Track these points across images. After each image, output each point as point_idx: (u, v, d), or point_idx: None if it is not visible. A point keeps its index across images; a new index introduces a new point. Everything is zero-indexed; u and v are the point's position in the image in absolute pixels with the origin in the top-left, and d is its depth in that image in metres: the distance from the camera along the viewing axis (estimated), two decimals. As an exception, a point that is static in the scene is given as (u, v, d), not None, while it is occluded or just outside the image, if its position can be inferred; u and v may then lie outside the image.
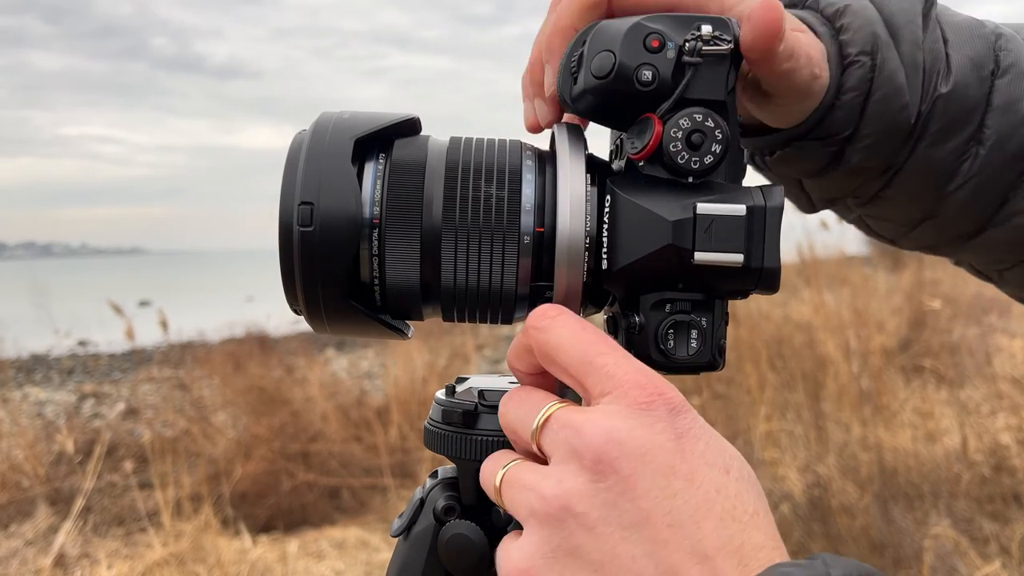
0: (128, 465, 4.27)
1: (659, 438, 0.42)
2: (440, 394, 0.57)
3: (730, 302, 0.51)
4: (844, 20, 0.58)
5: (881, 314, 5.30)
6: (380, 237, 0.49)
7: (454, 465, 0.58)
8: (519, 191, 0.49)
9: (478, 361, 6.51)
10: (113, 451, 4.57)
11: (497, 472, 0.47)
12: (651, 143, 0.47)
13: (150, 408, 5.63)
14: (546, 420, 0.45)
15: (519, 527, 0.46)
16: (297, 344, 6.37)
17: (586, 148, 0.50)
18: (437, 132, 0.54)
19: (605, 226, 0.48)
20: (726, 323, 0.50)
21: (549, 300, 0.50)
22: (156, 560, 3.29)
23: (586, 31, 0.49)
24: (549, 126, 0.54)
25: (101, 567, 3.33)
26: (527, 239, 0.49)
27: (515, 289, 0.50)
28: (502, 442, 0.53)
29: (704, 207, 0.46)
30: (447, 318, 0.53)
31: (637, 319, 0.49)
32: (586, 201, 0.49)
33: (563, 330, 0.46)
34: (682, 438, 0.42)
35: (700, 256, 0.47)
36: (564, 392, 0.49)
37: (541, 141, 0.54)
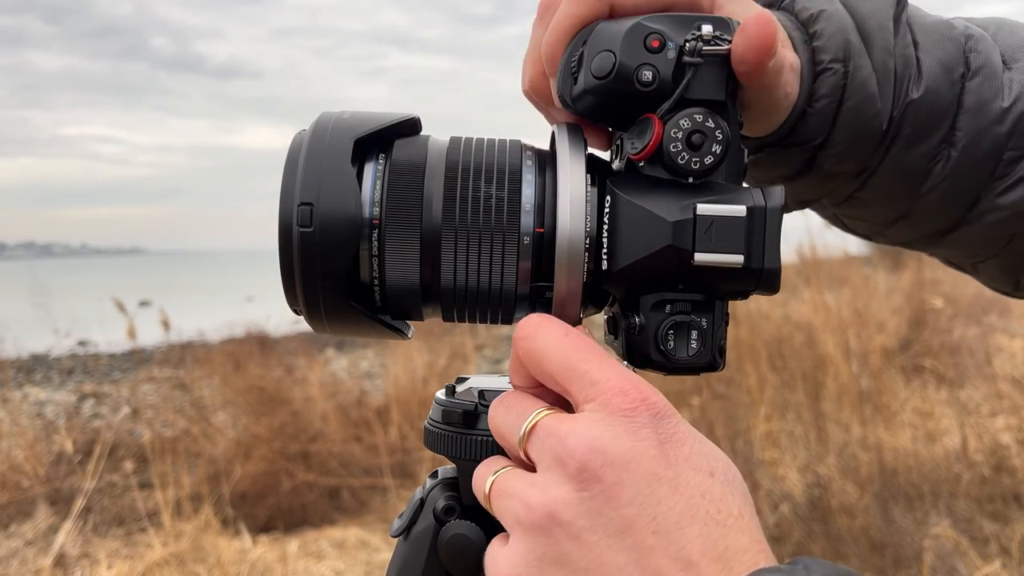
0: (128, 465, 4.27)
1: (642, 445, 0.42)
2: (440, 394, 0.57)
3: (730, 302, 0.50)
4: (818, 26, 0.57)
5: (881, 314, 5.30)
6: (380, 237, 0.49)
7: (454, 465, 0.58)
8: (519, 191, 0.49)
9: (478, 361, 6.51)
10: (113, 451, 4.57)
11: (487, 479, 0.47)
12: (651, 143, 0.47)
13: (150, 408, 5.63)
14: (532, 428, 0.45)
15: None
16: (297, 344, 6.37)
17: (586, 148, 0.50)
18: (437, 132, 0.54)
19: (605, 227, 0.48)
20: (726, 324, 0.50)
21: (549, 300, 0.50)
22: (156, 560, 3.29)
23: (586, 32, 0.49)
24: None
25: (101, 567, 3.33)
26: (527, 239, 0.49)
27: (515, 289, 0.50)
28: (502, 442, 0.53)
29: (704, 208, 0.46)
30: (447, 318, 0.53)
31: (637, 320, 0.49)
32: (586, 202, 0.48)
33: (546, 337, 0.47)
34: (665, 444, 0.43)
35: (700, 257, 0.47)
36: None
37: (541, 141, 0.54)
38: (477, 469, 0.49)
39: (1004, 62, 0.61)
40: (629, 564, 0.41)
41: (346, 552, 3.64)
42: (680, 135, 0.47)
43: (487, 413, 0.54)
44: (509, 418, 0.48)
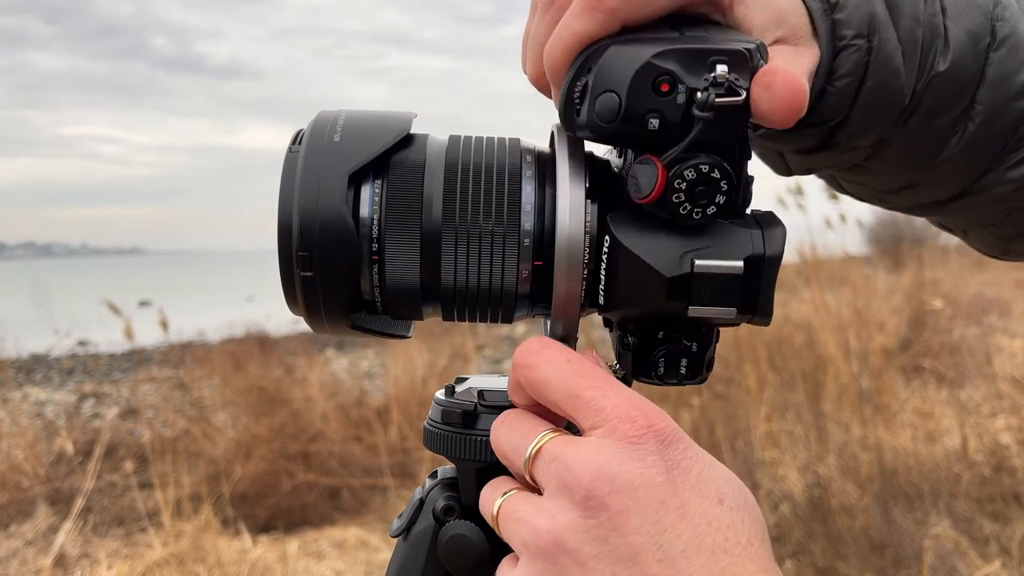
0: (128, 465, 4.27)
1: (649, 472, 0.42)
2: (440, 394, 0.57)
3: None
4: None
5: (881, 314, 5.30)
6: (380, 237, 0.49)
7: (454, 465, 0.58)
8: (519, 190, 0.49)
9: (478, 361, 6.51)
10: (113, 451, 4.57)
11: (495, 501, 0.47)
12: (653, 193, 0.45)
13: (150, 408, 5.63)
14: (537, 451, 0.45)
15: None
16: (297, 344, 6.37)
17: (583, 144, 0.50)
18: (437, 132, 0.53)
19: (603, 265, 0.48)
20: (716, 341, 0.51)
21: (550, 299, 0.50)
22: (156, 560, 3.29)
23: (593, 54, 0.46)
24: None
25: (101, 567, 3.33)
26: (527, 239, 0.49)
27: (515, 288, 0.50)
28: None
29: (702, 264, 0.46)
30: (447, 317, 0.52)
31: (631, 339, 0.50)
32: (586, 200, 0.49)
33: (547, 365, 0.46)
34: (673, 471, 0.42)
35: (695, 310, 0.47)
36: None
37: (541, 139, 0.54)
38: (484, 490, 0.49)
39: None
40: None
41: (346, 552, 3.64)
42: (683, 186, 0.45)
43: (487, 413, 0.54)
44: (513, 439, 0.47)
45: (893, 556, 2.77)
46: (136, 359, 7.07)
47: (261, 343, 6.44)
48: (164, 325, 4.94)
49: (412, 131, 0.51)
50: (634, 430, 0.43)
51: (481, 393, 0.55)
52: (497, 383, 0.56)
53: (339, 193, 0.48)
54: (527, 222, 0.49)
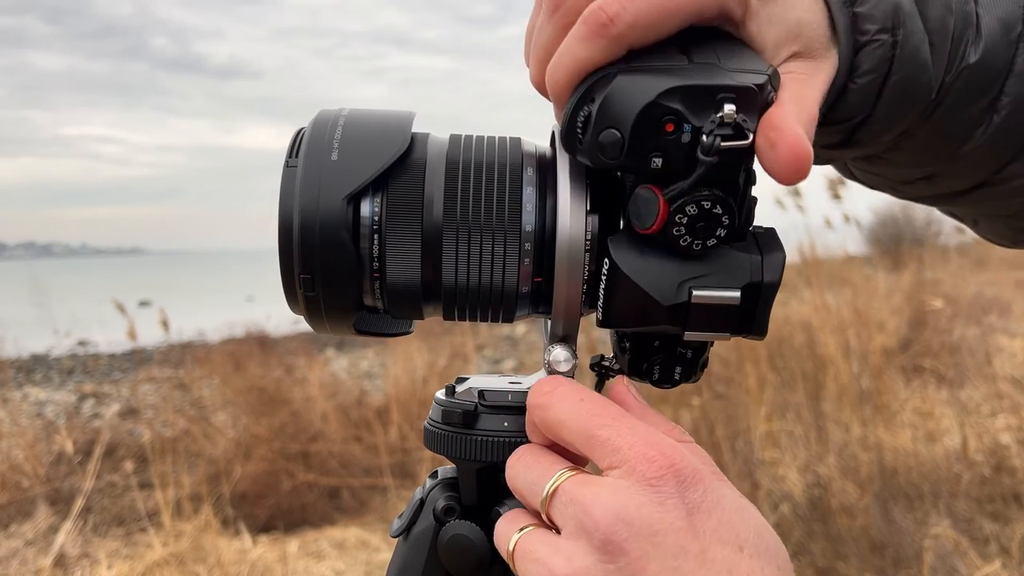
0: (128, 465, 4.27)
1: (669, 516, 0.41)
2: (440, 394, 0.57)
3: None
4: None
5: (881, 314, 5.30)
6: (381, 238, 0.49)
7: (454, 465, 0.58)
8: (520, 189, 0.49)
9: (478, 361, 6.51)
10: (113, 451, 4.57)
11: (511, 537, 0.46)
12: (655, 226, 0.45)
13: (150, 408, 5.63)
14: (554, 491, 0.44)
15: None
16: (297, 344, 6.37)
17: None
18: (437, 132, 0.53)
19: (602, 284, 0.48)
20: (711, 345, 0.51)
21: (550, 299, 0.50)
22: (156, 560, 3.29)
23: (597, 84, 0.45)
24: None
25: (101, 567, 3.33)
26: (528, 238, 0.49)
27: (516, 287, 0.50)
28: (501, 442, 0.53)
29: (699, 294, 0.46)
30: (448, 317, 0.52)
31: (627, 343, 0.50)
32: (586, 199, 0.48)
33: (561, 405, 0.46)
34: (693, 514, 0.41)
35: (690, 335, 0.47)
36: None
37: (541, 138, 0.54)
38: (500, 523, 0.49)
39: None
40: None
41: (346, 552, 3.64)
42: (684, 220, 0.45)
43: (487, 413, 0.54)
44: (530, 477, 0.46)
45: (893, 556, 2.76)
46: (136, 359, 7.08)
47: (261, 343, 6.44)
48: (165, 325, 4.94)
49: (412, 130, 0.51)
50: (653, 471, 0.42)
51: (481, 393, 0.55)
52: (497, 383, 0.56)
53: (338, 215, 0.48)
54: (528, 222, 0.49)
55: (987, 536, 2.90)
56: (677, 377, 0.51)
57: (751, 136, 0.43)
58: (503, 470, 0.50)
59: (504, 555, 0.47)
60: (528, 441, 0.50)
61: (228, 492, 3.96)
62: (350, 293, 0.49)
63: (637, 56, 0.45)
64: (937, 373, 4.76)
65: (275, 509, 4.05)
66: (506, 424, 0.53)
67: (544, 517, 0.45)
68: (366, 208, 0.49)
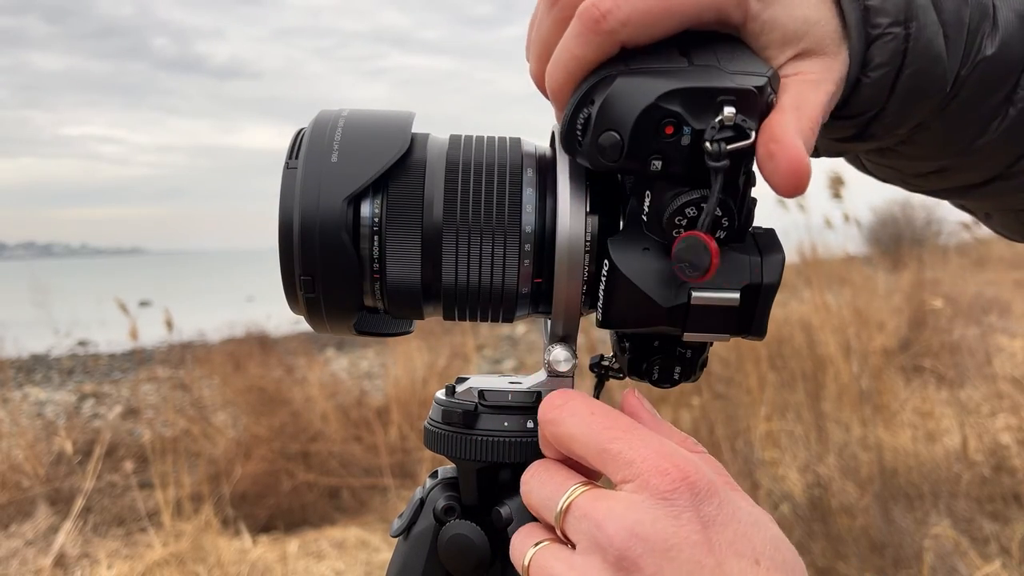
0: (128, 465, 4.27)
1: (684, 531, 0.41)
2: (440, 394, 0.57)
3: None
4: None
5: (881, 314, 5.30)
6: (381, 239, 0.49)
7: (454, 465, 0.58)
8: (520, 189, 0.49)
9: (478, 361, 6.51)
10: (113, 451, 4.57)
11: (527, 552, 0.46)
12: (711, 271, 0.44)
13: (150, 408, 5.63)
14: (568, 507, 0.44)
15: (524, 519, 0.47)
16: (297, 344, 6.37)
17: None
18: (437, 132, 0.53)
19: (602, 285, 0.48)
20: (711, 345, 0.51)
21: (549, 299, 0.50)
22: (156, 560, 3.29)
23: (597, 86, 0.45)
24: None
25: (101, 567, 3.33)
26: (528, 239, 0.49)
27: (516, 287, 0.50)
28: (501, 442, 0.53)
29: (699, 295, 0.46)
30: (448, 317, 0.52)
31: (627, 343, 0.51)
32: (585, 199, 0.49)
33: (572, 419, 0.46)
34: (708, 528, 0.41)
35: (689, 336, 0.47)
36: None
37: (541, 138, 0.54)
38: (515, 537, 0.48)
39: None
40: None
41: (346, 552, 3.64)
42: (684, 222, 0.45)
43: (487, 413, 0.54)
44: (544, 493, 0.46)
45: (893, 556, 2.77)
46: (136, 359, 7.08)
47: (261, 343, 6.44)
48: (169, 324, 4.94)
49: (412, 131, 0.51)
50: (667, 484, 0.41)
51: (482, 393, 0.55)
52: (497, 383, 0.56)
53: (339, 216, 0.48)
54: (528, 223, 0.49)
55: (987, 536, 2.90)
56: (676, 377, 0.51)
57: (753, 134, 0.43)
58: (503, 470, 0.50)
59: (520, 570, 0.47)
60: (540, 455, 0.50)
61: (228, 492, 3.96)
62: (350, 294, 0.49)
63: (637, 58, 0.45)
64: (937, 373, 4.77)
65: (275, 509, 4.05)
66: (506, 424, 0.53)
67: (559, 533, 0.45)
68: (366, 209, 0.49)
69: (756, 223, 0.48)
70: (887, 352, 4.56)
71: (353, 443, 4.44)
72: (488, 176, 0.49)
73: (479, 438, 0.53)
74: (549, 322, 0.52)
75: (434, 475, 0.61)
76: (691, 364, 0.50)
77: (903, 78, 0.50)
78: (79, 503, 3.77)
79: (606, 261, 0.47)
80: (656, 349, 0.50)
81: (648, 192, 0.46)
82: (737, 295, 0.46)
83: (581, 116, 0.45)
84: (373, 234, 0.49)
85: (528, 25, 0.51)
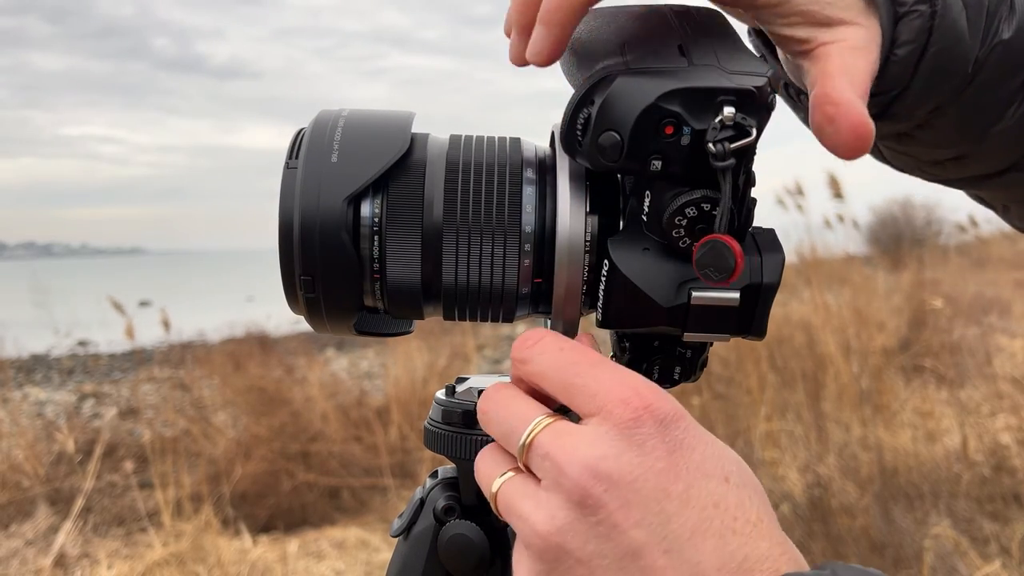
0: (128, 465, 4.27)
1: (649, 459, 0.40)
2: (440, 394, 0.57)
3: None
4: None
5: (881, 314, 5.30)
6: (381, 239, 0.49)
7: (454, 465, 0.58)
8: (520, 189, 0.49)
9: (478, 361, 6.50)
10: (113, 451, 4.57)
11: (493, 481, 0.46)
12: (736, 272, 0.44)
13: (150, 408, 5.63)
14: (530, 444, 0.43)
15: None
16: (297, 344, 6.37)
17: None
18: (437, 132, 0.53)
19: (602, 285, 0.48)
20: (711, 345, 0.51)
21: (549, 299, 0.50)
22: (156, 560, 3.29)
23: (598, 86, 0.45)
24: (545, 61, 0.47)
25: (101, 567, 3.33)
26: (528, 239, 0.49)
27: (516, 287, 0.50)
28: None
29: (699, 296, 0.46)
30: (448, 317, 0.52)
31: (627, 343, 0.51)
32: (585, 199, 0.49)
33: (542, 357, 0.45)
34: (674, 452, 0.41)
35: (690, 336, 0.47)
36: None
37: (541, 138, 0.54)
38: (480, 460, 0.47)
39: None
40: None
41: (346, 552, 3.64)
42: (684, 222, 0.45)
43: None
44: (506, 424, 0.45)
45: (893, 556, 2.76)
46: (136, 359, 7.07)
47: (261, 343, 6.44)
48: (167, 325, 4.94)
49: (412, 131, 0.51)
50: (629, 412, 0.41)
51: (482, 393, 0.55)
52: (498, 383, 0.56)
53: (339, 216, 0.48)
54: (528, 223, 0.49)
55: (987, 536, 2.90)
56: (676, 377, 0.51)
57: (753, 132, 0.43)
58: None
59: (486, 494, 0.47)
60: None
61: (228, 492, 3.96)
62: (350, 294, 0.49)
63: (637, 58, 0.45)
64: (937, 373, 4.76)
65: (275, 509, 4.05)
66: (506, 424, 0.53)
67: (521, 465, 0.45)
68: (366, 209, 0.49)
69: (756, 223, 0.48)
70: (887, 352, 4.56)
71: (353, 443, 4.44)
72: (488, 176, 0.49)
73: (479, 438, 0.54)
74: (549, 322, 0.52)
75: (434, 475, 0.61)
76: (691, 364, 0.50)
77: (927, 56, 0.51)
78: (79, 503, 3.77)
79: (606, 261, 0.47)
80: (656, 349, 0.50)
81: (648, 192, 0.46)
82: (737, 295, 0.46)
83: (581, 116, 0.45)
84: (373, 234, 0.49)
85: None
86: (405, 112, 0.52)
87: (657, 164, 0.44)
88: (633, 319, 0.47)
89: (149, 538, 3.56)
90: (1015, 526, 2.94)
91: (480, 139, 0.52)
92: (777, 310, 4.90)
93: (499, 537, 0.56)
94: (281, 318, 7.02)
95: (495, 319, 0.52)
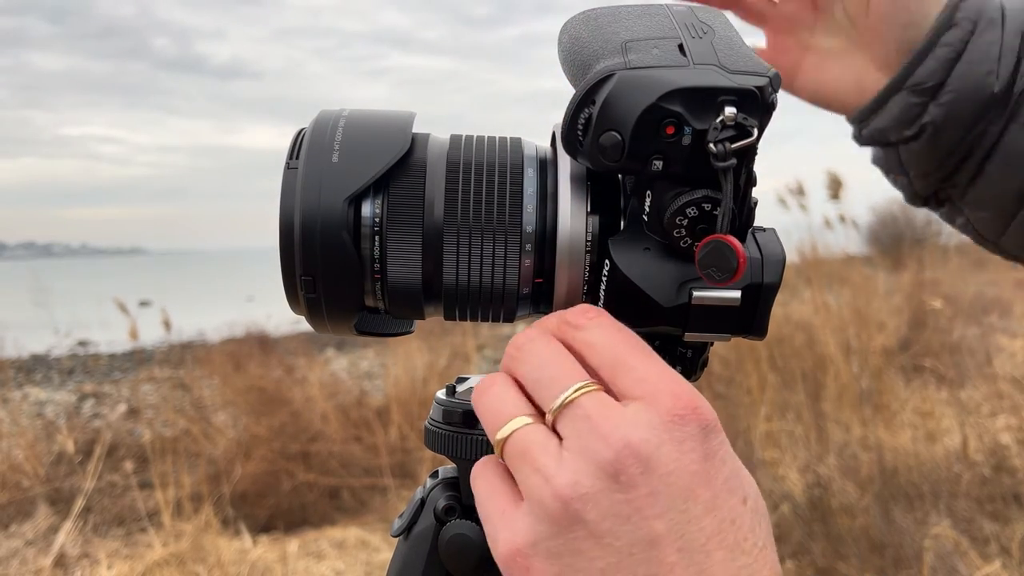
0: (128, 465, 4.27)
1: (686, 458, 0.40)
2: (440, 394, 0.57)
3: None
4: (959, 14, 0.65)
5: (881, 314, 5.30)
6: (382, 240, 0.49)
7: (454, 465, 0.58)
8: (520, 188, 0.49)
9: (478, 361, 6.50)
10: (113, 451, 4.57)
11: (509, 421, 0.44)
12: (739, 272, 0.44)
13: (150, 408, 5.63)
14: (571, 401, 0.42)
15: None
16: (297, 344, 6.37)
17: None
18: (437, 132, 0.53)
19: (603, 285, 0.48)
20: (711, 345, 0.51)
21: (550, 299, 0.50)
22: (156, 560, 3.29)
23: (598, 85, 0.45)
24: None
25: (101, 567, 3.33)
26: (528, 239, 0.49)
27: (517, 287, 0.50)
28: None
29: (699, 294, 0.46)
30: (448, 317, 0.52)
31: None
32: (586, 199, 0.49)
33: (599, 329, 0.45)
34: (709, 460, 0.41)
35: (691, 336, 0.47)
36: None
37: (541, 138, 0.54)
38: (491, 394, 0.45)
39: None
40: None
41: (346, 552, 3.64)
42: (685, 222, 0.45)
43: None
44: (545, 372, 0.44)
45: (893, 556, 2.77)
46: (136, 359, 7.07)
47: (261, 343, 6.43)
48: (167, 325, 4.94)
49: (413, 131, 0.51)
50: (679, 408, 0.41)
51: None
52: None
53: (339, 216, 0.48)
54: (528, 223, 0.49)
55: (987, 536, 2.90)
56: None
57: (755, 133, 0.43)
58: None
59: (488, 434, 0.45)
60: None
61: (228, 492, 3.96)
62: (351, 294, 0.49)
63: (638, 57, 0.46)
64: (937, 373, 4.76)
65: (275, 509, 4.05)
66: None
67: (550, 420, 0.43)
68: (367, 209, 0.49)
69: (756, 223, 0.48)
70: (887, 352, 4.56)
71: (353, 443, 4.44)
72: (489, 176, 0.49)
73: (480, 438, 0.54)
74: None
75: (434, 475, 0.61)
76: (692, 364, 0.50)
77: (961, 63, 0.65)
78: (79, 503, 3.77)
79: (607, 261, 0.47)
80: (657, 349, 0.50)
81: (649, 192, 0.46)
82: (738, 295, 0.46)
83: (582, 116, 0.46)
84: (374, 234, 0.49)
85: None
86: (406, 112, 0.52)
87: (658, 164, 0.45)
88: (634, 319, 0.47)
89: (149, 538, 3.56)
90: (1015, 526, 2.94)
91: (481, 139, 0.52)
92: (777, 310, 4.90)
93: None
94: (281, 318, 7.02)
95: (496, 319, 0.52)
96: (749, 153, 0.44)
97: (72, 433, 4.72)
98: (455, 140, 0.51)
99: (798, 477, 3.26)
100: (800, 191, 4.53)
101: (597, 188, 0.49)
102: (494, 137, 0.52)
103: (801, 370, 4.01)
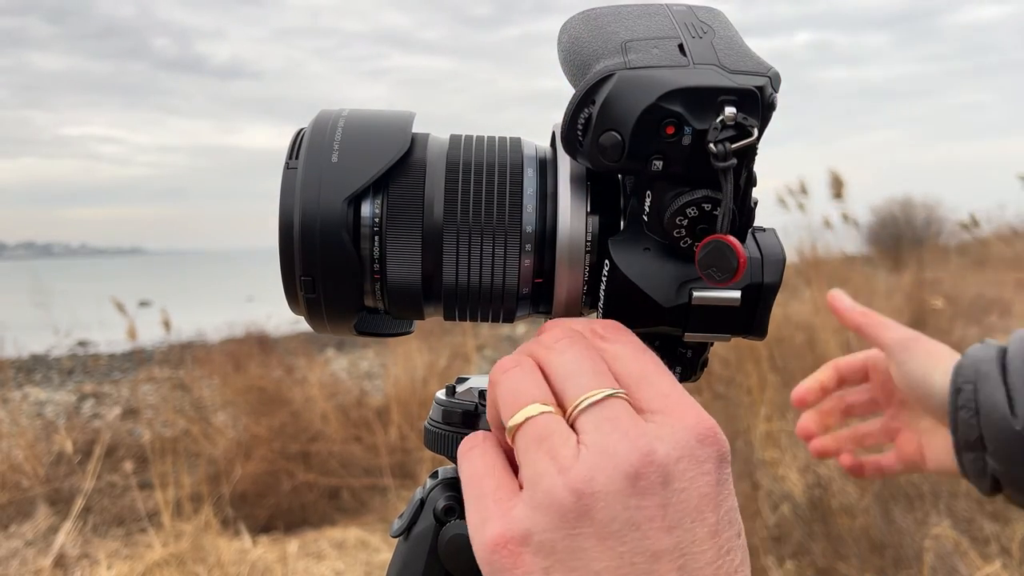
0: (128, 465, 4.27)
1: (701, 480, 0.41)
2: (440, 394, 0.57)
3: None
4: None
5: (881, 314, 5.29)
6: (382, 240, 0.49)
7: (454, 465, 0.58)
8: (520, 188, 0.49)
9: (478, 361, 6.50)
10: (113, 451, 4.57)
11: (523, 408, 0.43)
12: (739, 272, 0.44)
13: (150, 408, 5.63)
14: (600, 402, 0.42)
15: None
16: (297, 344, 6.37)
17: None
18: (437, 132, 0.53)
19: (602, 285, 0.48)
20: (711, 345, 0.51)
21: (551, 299, 0.50)
22: (156, 560, 3.29)
23: (598, 85, 0.45)
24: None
25: (101, 567, 3.33)
26: (528, 239, 0.49)
27: (517, 287, 0.50)
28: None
29: (700, 295, 0.46)
30: (448, 317, 0.52)
31: None
32: (586, 199, 0.48)
33: (626, 344, 0.45)
34: (720, 487, 0.41)
35: (691, 336, 0.47)
36: None
37: (541, 138, 0.54)
38: (515, 376, 0.45)
39: None
40: None
41: (346, 552, 3.64)
42: (685, 222, 0.45)
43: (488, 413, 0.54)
44: (576, 367, 0.43)
45: (893, 556, 2.77)
46: (136, 359, 7.08)
47: (261, 343, 6.44)
48: (167, 325, 4.94)
49: (413, 130, 0.51)
50: (702, 429, 0.42)
51: (482, 393, 0.55)
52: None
53: (339, 216, 0.48)
54: (528, 223, 0.49)
55: (987, 536, 2.90)
56: (677, 377, 0.51)
57: (755, 133, 0.43)
58: None
59: (503, 414, 0.44)
60: None
61: (228, 492, 3.96)
62: (351, 294, 0.49)
63: (638, 57, 0.45)
64: (937, 373, 4.75)
65: (275, 509, 4.05)
66: (506, 424, 0.53)
67: (570, 414, 0.42)
68: (366, 209, 0.49)
69: (756, 223, 0.48)
70: (887, 352, 4.55)
71: (353, 443, 4.44)
72: (488, 176, 0.49)
73: (479, 438, 0.53)
74: (549, 322, 0.52)
75: (434, 475, 0.61)
76: (692, 364, 0.50)
77: (981, 415, 0.79)
78: (79, 503, 3.77)
79: (607, 261, 0.47)
80: (657, 349, 0.50)
81: (649, 192, 0.46)
82: (738, 295, 0.46)
83: (582, 116, 0.45)
84: (373, 234, 0.49)
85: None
86: (405, 112, 0.52)
87: (658, 164, 0.44)
88: (634, 319, 0.47)
89: (149, 538, 3.56)
90: (1015, 526, 2.94)
91: (480, 139, 0.52)
92: (777, 310, 4.90)
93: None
94: (281, 318, 7.02)
95: (495, 319, 0.52)
96: (749, 153, 0.44)
97: (72, 433, 4.73)
98: (455, 140, 0.51)
99: (798, 477, 3.26)
100: (801, 191, 4.53)
101: (597, 188, 0.49)
102: (494, 137, 0.52)
103: (801, 370, 4.01)
